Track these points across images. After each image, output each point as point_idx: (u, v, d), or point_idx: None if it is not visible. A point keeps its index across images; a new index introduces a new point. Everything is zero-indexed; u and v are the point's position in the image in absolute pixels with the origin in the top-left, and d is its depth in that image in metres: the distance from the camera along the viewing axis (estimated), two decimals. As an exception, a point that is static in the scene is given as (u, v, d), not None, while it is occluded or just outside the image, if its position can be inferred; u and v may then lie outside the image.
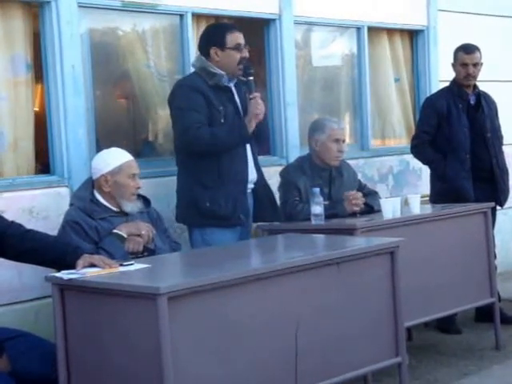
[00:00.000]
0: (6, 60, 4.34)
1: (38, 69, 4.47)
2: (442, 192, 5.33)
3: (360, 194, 4.60)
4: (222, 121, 4.35)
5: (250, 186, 4.54)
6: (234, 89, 4.49)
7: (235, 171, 4.38)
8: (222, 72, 4.39)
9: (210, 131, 4.28)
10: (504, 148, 5.59)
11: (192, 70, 4.60)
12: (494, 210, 5.18)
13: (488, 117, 5.40)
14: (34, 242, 3.41)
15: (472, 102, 5.41)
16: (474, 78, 5.38)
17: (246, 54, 4.42)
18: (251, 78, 4.40)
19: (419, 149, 5.49)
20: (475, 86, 5.44)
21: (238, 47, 4.39)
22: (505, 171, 5.47)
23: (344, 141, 4.79)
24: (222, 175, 4.34)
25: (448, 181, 5.29)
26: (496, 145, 5.41)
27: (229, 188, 4.34)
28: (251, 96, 4.36)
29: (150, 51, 5.02)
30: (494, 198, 5.25)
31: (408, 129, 6.56)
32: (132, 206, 4.00)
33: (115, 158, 4.02)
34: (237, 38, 4.41)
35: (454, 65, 5.45)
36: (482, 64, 5.42)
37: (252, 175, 4.52)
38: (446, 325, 5.22)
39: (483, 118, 5.38)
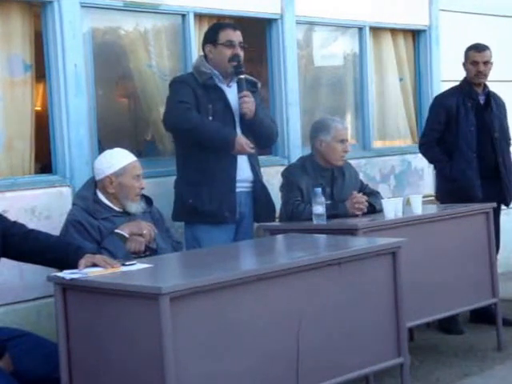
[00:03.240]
0: (4, 60, 4.34)
1: (39, 68, 4.47)
2: (449, 191, 5.34)
3: (365, 198, 4.59)
4: (211, 118, 4.40)
5: (246, 185, 4.55)
6: (227, 88, 4.51)
7: (222, 169, 4.41)
8: (215, 71, 4.46)
9: (200, 117, 4.34)
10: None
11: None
12: (498, 210, 5.19)
13: (496, 117, 5.42)
14: (37, 242, 3.42)
15: (481, 102, 5.43)
16: (485, 76, 5.41)
17: (237, 50, 4.45)
18: (242, 76, 4.44)
19: (426, 147, 5.51)
20: (485, 86, 5.45)
21: (229, 44, 4.45)
22: (510, 171, 5.47)
23: (347, 140, 4.80)
24: (207, 172, 4.39)
25: (455, 181, 5.30)
26: (503, 145, 5.43)
27: (214, 185, 4.39)
28: (240, 95, 4.39)
29: (152, 51, 5.02)
30: (501, 197, 5.26)
31: (410, 129, 6.56)
32: (136, 207, 4.01)
33: (119, 159, 4.03)
34: (229, 34, 4.47)
35: (464, 64, 5.48)
36: (492, 63, 5.44)
37: (244, 174, 4.53)
38: (448, 325, 5.22)
39: (491, 117, 5.40)
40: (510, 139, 5.57)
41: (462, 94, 5.39)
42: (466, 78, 5.47)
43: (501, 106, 5.53)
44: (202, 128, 4.32)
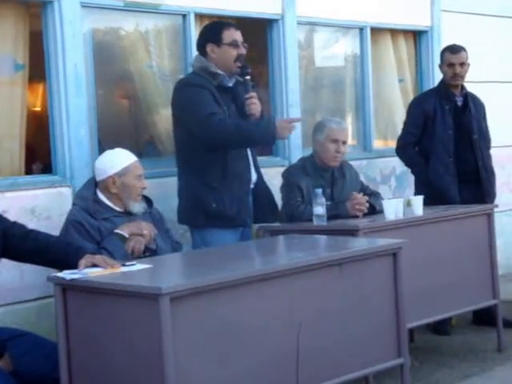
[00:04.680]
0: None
1: (36, 68, 4.45)
2: (428, 196, 5.26)
3: (365, 199, 4.58)
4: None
5: (252, 186, 4.52)
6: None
7: (240, 171, 4.36)
8: (223, 72, 4.35)
9: (234, 122, 4.23)
10: (501, 150, 5.56)
11: (190, 69, 4.57)
12: None
13: (475, 118, 5.38)
14: (37, 242, 3.42)
15: (459, 104, 5.39)
16: (462, 77, 5.38)
17: (243, 50, 4.36)
18: (248, 77, 4.37)
19: (403, 151, 5.48)
20: (463, 87, 5.43)
21: (234, 43, 4.34)
22: (491, 173, 5.44)
23: (345, 142, 4.76)
24: (226, 175, 4.30)
25: (432, 185, 5.26)
26: (482, 147, 5.38)
27: (233, 188, 4.32)
28: (247, 96, 4.34)
29: (152, 51, 5.02)
30: (481, 200, 5.22)
31: (411, 130, 6.55)
32: (138, 207, 4.02)
33: (121, 159, 4.02)
34: (233, 34, 4.36)
35: (441, 66, 5.47)
36: (469, 64, 5.41)
37: (253, 176, 4.51)
38: (437, 325, 5.18)
39: (470, 119, 5.35)
40: (489, 141, 5.52)
41: (439, 97, 5.35)
42: (442, 80, 5.45)
43: (479, 106, 5.48)
44: (240, 132, 4.21)
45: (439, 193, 5.22)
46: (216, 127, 4.17)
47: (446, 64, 5.39)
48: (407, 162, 5.53)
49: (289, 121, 4.33)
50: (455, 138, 5.29)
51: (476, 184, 5.34)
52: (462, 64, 5.35)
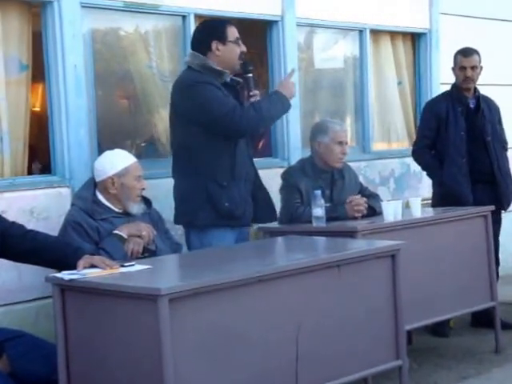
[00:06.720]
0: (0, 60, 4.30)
1: (37, 68, 4.45)
2: (441, 197, 5.35)
3: (364, 200, 4.59)
4: None
5: None
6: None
7: (245, 170, 4.30)
8: (225, 70, 4.27)
9: (251, 107, 4.13)
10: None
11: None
12: (498, 214, 5.18)
13: (489, 121, 5.40)
14: (35, 243, 3.41)
15: (472, 106, 5.41)
16: (473, 81, 5.39)
17: (244, 48, 4.30)
18: (250, 74, 4.30)
19: (418, 154, 5.53)
20: (475, 90, 5.44)
21: (237, 41, 4.28)
22: (507, 176, 5.45)
23: (346, 143, 4.80)
24: (234, 174, 4.22)
25: (446, 187, 5.30)
26: (497, 148, 5.40)
27: (241, 187, 4.25)
28: (251, 93, 4.26)
29: (152, 52, 5.02)
30: (497, 202, 5.24)
31: (409, 132, 6.57)
32: (137, 208, 4.02)
33: (120, 159, 4.02)
34: (235, 31, 4.30)
35: (453, 69, 5.47)
36: (481, 68, 5.43)
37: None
38: (436, 326, 5.19)
39: (483, 121, 5.37)
40: (506, 143, 5.55)
41: (451, 99, 5.38)
42: (455, 83, 5.46)
43: (493, 109, 5.49)
44: (262, 117, 4.13)
45: (453, 194, 5.25)
46: (238, 120, 4.08)
47: (457, 67, 5.40)
48: (423, 165, 5.57)
49: (287, 79, 4.29)
50: (468, 139, 5.31)
51: (491, 185, 5.35)
52: (474, 67, 5.36)
